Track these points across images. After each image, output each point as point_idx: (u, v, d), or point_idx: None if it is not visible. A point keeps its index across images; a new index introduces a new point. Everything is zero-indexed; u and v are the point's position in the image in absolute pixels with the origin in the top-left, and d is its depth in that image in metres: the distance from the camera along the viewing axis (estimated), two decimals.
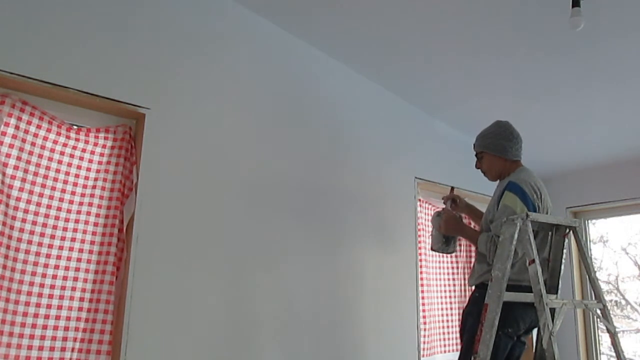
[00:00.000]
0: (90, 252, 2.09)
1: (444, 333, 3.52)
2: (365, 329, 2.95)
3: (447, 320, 3.55)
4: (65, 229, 2.06)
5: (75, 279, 2.05)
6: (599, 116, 3.49)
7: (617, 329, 2.12)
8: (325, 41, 2.92)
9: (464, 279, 3.70)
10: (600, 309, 2.09)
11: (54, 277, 2.00)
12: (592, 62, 2.87)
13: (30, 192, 2.00)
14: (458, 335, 2.94)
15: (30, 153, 2.02)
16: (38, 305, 1.95)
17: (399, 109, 3.48)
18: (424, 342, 3.29)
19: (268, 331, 2.52)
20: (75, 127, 2.15)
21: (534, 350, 2.29)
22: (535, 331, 2.19)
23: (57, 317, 1.98)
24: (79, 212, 2.11)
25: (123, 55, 2.24)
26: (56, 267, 2.02)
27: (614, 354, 2.11)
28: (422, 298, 3.34)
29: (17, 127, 1.98)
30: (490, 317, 1.95)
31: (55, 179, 2.08)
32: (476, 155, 2.53)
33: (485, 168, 2.51)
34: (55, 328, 1.97)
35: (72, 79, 2.06)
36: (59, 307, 1.99)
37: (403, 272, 3.24)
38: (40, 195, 2.03)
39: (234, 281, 2.43)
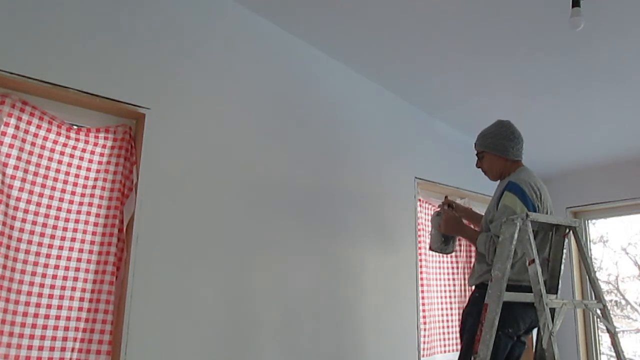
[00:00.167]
0: (90, 252, 2.09)
1: (444, 333, 3.52)
2: (365, 329, 2.95)
3: (447, 320, 3.55)
4: (65, 229, 2.07)
5: (75, 279, 2.05)
6: (599, 116, 3.49)
7: (617, 329, 2.12)
8: (325, 41, 2.92)
9: (464, 279, 3.70)
10: (600, 309, 2.09)
11: (54, 277, 2.00)
12: (592, 62, 2.87)
13: (30, 192, 2.00)
14: (458, 335, 2.94)
15: (30, 153, 2.02)
16: (38, 305, 1.95)
17: (399, 109, 3.48)
18: (424, 342, 3.29)
19: (268, 331, 2.52)
20: (75, 127, 2.15)
21: (534, 350, 2.29)
22: (535, 331, 2.19)
23: (57, 317, 1.98)
24: (79, 212, 2.11)
25: (123, 55, 2.24)
26: (56, 267, 2.02)
27: (614, 354, 2.11)
28: (422, 298, 3.34)
29: (17, 127, 1.99)
30: (490, 317, 1.95)
31: (55, 179, 2.08)
32: (477, 155, 2.53)
33: (486, 168, 2.50)
34: (55, 328, 1.97)
35: (72, 79, 2.06)
36: (59, 307, 1.99)
37: (403, 272, 3.24)
38: (40, 195, 2.03)
39: (234, 281, 2.43)
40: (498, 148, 2.42)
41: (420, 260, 3.38)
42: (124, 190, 2.21)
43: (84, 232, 2.10)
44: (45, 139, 2.07)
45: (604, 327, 2.27)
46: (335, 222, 2.93)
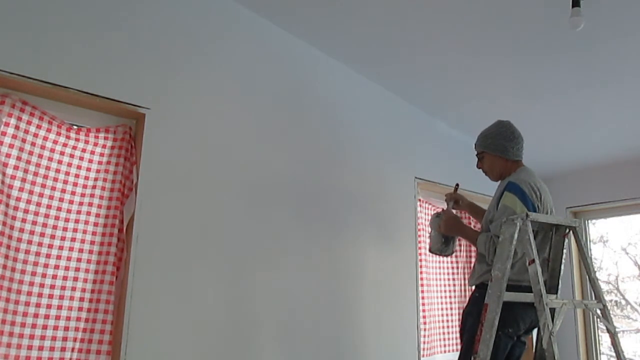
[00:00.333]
0: (90, 252, 2.09)
1: (444, 333, 3.52)
2: (365, 329, 2.95)
3: (447, 320, 3.55)
4: (65, 229, 2.07)
5: (75, 279, 2.05)
6: (599, 116, 3.49)
7: (617, 329, 2.12)
8: (325, 41, 2.92)
9: (464, 279, 3.70)
10: (600, 309, 2.09)
11: (54, 277, 2.00)
12: (592, 63, 2.87)
13: (30, 192, 2.00)
14: (458, 335, 2.94)
15: (30, 153, 2.02)
16: (38, 305, 1.95)
17: (399, 109, 3.48)
18: (424, 342, 3.29)
19: (268, 331, 2.52)
20: (75, 127, 2.15)
21: (534, 350, 2.30)
22: (535, 331, 2.19)
23: (57, 317, 1.98)
24: (79, 212, 2.11)
25: (123, 55, 2.24)
26: (56, 267, 2.02)
27: (614, 354, 2.11)
28: (422, 298, 3.34)
29: (17, 127, 1.98)
30: (490, 317, 1.95)
31: (55, 179, 2.08)
32: (477, 156, 2.53)
33: (486, 168, 2.50)
34: (55, 328, 1.97)
35: (72, 79, 2.06)
36: (59, 307, 1.99)
37: (403, 272, 3.24)
38: (40, 195, 2.03)
39: (234, 281, 2.43)
40: (498, 148, 2.42)
41: (420, 260, 3.38)
42: (124, 190, 2.20)
43: (84, 232, 2.10)
44: (45, 139, 2.07)
45: (604, 327, 2.27)
46: (335, 222, 2.93)
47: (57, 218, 2.05)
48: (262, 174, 2.63)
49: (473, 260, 3.59)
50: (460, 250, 3.72)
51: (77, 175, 2.13)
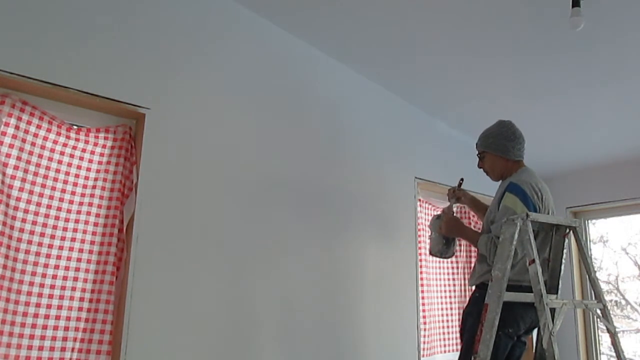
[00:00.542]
0: (90, 252, 2.09)
1: (444, 333, 3.52)
2: (365, 329, 2.95)
3: (447, 320, 3.55)
4: (65, 229, 2.06)
5: (75, 279, 2.05)
6: (599, 116, 3.49)
7: (617, 329, 2.12)
8: (325, 41, 2.92)
9: (464, 279, 3.70)
10: (600, 309, 2.09)
11: (54, 277, 2.00)
12: (592, 63, 2.87)
13: (30, 192, 2.00)
14: (458, 335, 2.94)
15: (30, 153, 2.02)
16: (38, 305, 1.95)
17: (399, 109, 3.48)
18: (424, 342, 3.29)
19: (268, 331, 2.52)
20: (75, 127, 2.15)
21: (534, 350, 2.30)
22: (535, 331, 2.19)
23: (57, 317, 1.98)
24: (79, 212, 2.11)
25: (123, 55, 2.24)
26: (56, 267, 2.02)
27: (614, 354, 2.11)
28: (422, 298, 3.34)
29: (17, 127, 1.98)
30: (491, 317, 1.95)
31: (55, 179, 2.08)
32: (478, 155, 2.53)
33: (487, 168, 2.50)
34: (55, 328, 1.97)
35: (72, 79, 2.06)
36: (59, 307, 1.99)
37: (403, 272, 3.24)
38: (40, 195, 2.03)
39: (234, 281, 2.43)
40: (499, 148, 2.41)
41: (420, 260, 3.38)
42: (124, 190, 2.20)
43: (84, 232, 2.10)
44: (45, 139, 2.06)
45: (604, 327, 2.27)
46: (335, 222, 2.93)
47: (57, 218, 2.05)
48: (262, 173, 2.63)
49: (473, 260, 3.59)
50: (460, 251, 3.72)
51: (77, 175, 2.13)
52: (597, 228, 4.73)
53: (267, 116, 2.73)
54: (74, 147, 2.14)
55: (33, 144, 2.03)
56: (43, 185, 2.04)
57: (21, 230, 1.96)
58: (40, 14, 2.02)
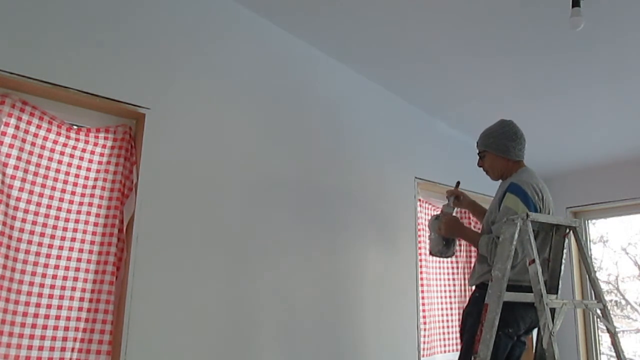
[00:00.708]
0: (90, 252, 2.09)
1: (444, 333, 3.52)
2: (365, 329, 2.95)
3: (447, 320, 3.55)
4: (65, 229, 2.06)
5: (75, 279, 2.05)
6: (599, 116, 3.49)
7: (617, 329, 2.12)
8: (325, 41, 2.92)
9: (464, 279, 3.70)
10: (600, 309, 2.09)
11: (54, 277, 2.00)
12: (592, 62, 2.87)
13: (30, 192, 2.00)
14: (458, 335, 2.94)
15: (30, 153, 2.02)
16: (38, 305, 1.95)
17: (399, 109, 3.48)
18: (424, 342, 3.29)
19: (268, 331, 2.52)
20: (75, 127, 2.15)
21: (534, 350, 2.29)
22: (535, 331, 2.19)
23: (57, 317, 1.98)
24: (79, 212, 2.11)
25: (123, 55, 2.24)
26: (56, 267, 2.02)
27: (614, 354, 2.11)
28: (422, 298, 3.34)
29: (17, 127, 1.98)
30: (491, 317, 1.95)
31: (55, 179, 2.07)
32: (479, 154, 2.52)
33: (487, 167, 2.50)
34: (55, 328, 1.97)
35: (72, 79, 2.06)
36: (59, 307, 1.99)
37: (403, 272, 3.24)
38: (40, 195, 2.03)
39: (234, 281, 2.43)
40: (500, 148, 2.41)
41: (420, 260, 3.38)
42: (124, 190, 2.20)
43: (84, 232, 2.10)
44: (45, 139, 2.06)
45: (604, 327, 2.27)
46: (335, 222, 2.93)
47: (57, 218, 2.05)
48: (262, 173, 2.63)
49: (473, 260, 3.59)
50: (460, 251, 3.72)
51: (77, 175, 2.13)
52: (597, 228, 4.73)
53: (267, 116, 2.73)
54: (74, 147, 2.14)
55: (33, 144, 2.03)
56: (43, 185, 2.04)
57: (21, 230, 1.96)
58: (40, 14, 2.02)
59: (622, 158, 4.00)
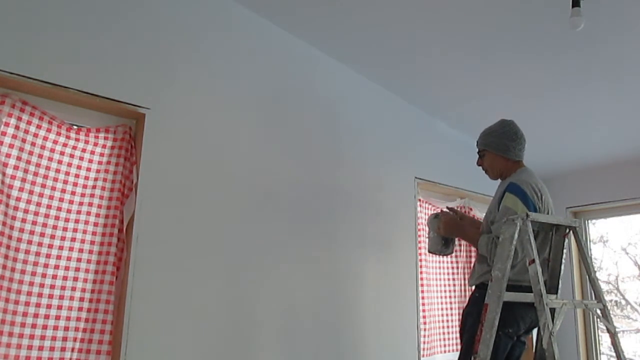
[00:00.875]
0: (90, 252, 2.09)
1: (444, 333, 3.52)
2: (365, 329, 2.95)
3: (447, 320, 3.55)
4: (65, 229, 2.06)
5: (75, 279, 2.05)
6: (599, 116, 3.49)
7: (617, 329, 2.12)
8: (325, 41, 2.92)
9: (464, 279, 3.69)
10: (600, 309, 2.09)
11: (54, 277, 2.00)
12: (592, 62, 2.87)
13: (30, 192, 2.00)
14: (458, 335, 2.94)
15: (30, 153, 2.02)
16: (38, 305, 1.95)
17: (399, 109, 3.48)
18: (424, 342, 3.29)
19: (268, 331, 2.52)
20: (75, 127, 2.15)
21: (534, 350, 2.29)
22: (535, 331, 2.19)
23: (57, 317, 1.98)
24: (79, 212, 2.11)
25: (123, 55, 2.24)
26: (56, 267, 2.02)
27: (614, 354, 2.11)
28: (422, 298, 3.34)
29: (17, 127, 1.99)
30: (490, 317, 1.95)
31: (55, 179, 2.08)
32: (478, 153, 2.52)
33: (486, 166, 2.49)
34: (55, 328, 1.97)
35: (72, 79, 2.06)
36: (59, 307, 1.99)
37: (403, 272, 3.24)
38: (40, 195, 2.03)
39: (234, 281, 2.43)
40: (500, 147, 2.41)
41: (420, 260, 3.38)
42: (124, 190, 2.20)
43: (84, 232, 2.10)
44: (45, 139, 2.07)
45: (604, 327, 2.26)
46: (335, 222, 2.93)
47: (57, 218, 2.05)
48: (262, 173, 2.63)
49: (473, 260, 3.59)
50: (460, 250, 3.72)
51: (77, 175, 2.13)
52: (597, 228, 4.73)
53: (267, 116, 2.73)
54: (74, 147, 2.14)
55: (33, 144, 2.03)
56: (43, 185, 2.04)
57: (21, 230, 1.96)
58: (40, 14, 2.02)
59: (622, 158, 4.00)
